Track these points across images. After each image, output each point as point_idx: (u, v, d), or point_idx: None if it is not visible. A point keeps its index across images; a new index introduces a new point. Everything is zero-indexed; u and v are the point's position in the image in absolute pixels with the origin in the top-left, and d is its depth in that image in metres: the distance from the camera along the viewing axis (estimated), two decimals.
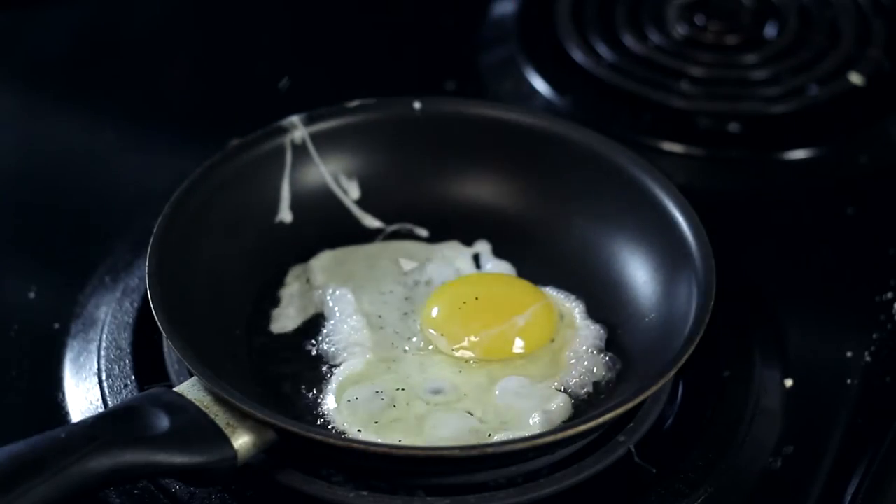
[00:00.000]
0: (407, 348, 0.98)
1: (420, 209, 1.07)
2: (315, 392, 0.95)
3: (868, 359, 1.03)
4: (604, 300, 1.01)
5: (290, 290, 1.02)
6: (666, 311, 0.97)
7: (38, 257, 1.11)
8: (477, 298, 0.99)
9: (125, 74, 1.29)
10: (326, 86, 1.26)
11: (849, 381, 1.01)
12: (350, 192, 1.07)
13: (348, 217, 1.07)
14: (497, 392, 0.95)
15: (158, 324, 0.90)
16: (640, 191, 1.01)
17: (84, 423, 0.84)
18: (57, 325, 1.03)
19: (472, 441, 0.91)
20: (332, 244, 1.05)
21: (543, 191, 1.06)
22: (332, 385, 0.95)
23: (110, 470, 0.81)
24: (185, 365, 0.89)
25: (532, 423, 0.92)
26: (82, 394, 0.97)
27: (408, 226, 1.07)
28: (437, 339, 0.97)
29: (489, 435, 0.92)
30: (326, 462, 0.90)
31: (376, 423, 0.92)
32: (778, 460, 0.96)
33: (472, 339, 0.97)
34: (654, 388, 0.89)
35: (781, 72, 1.25)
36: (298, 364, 0.98)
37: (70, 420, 0.97)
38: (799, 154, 1.19)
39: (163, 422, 0.84)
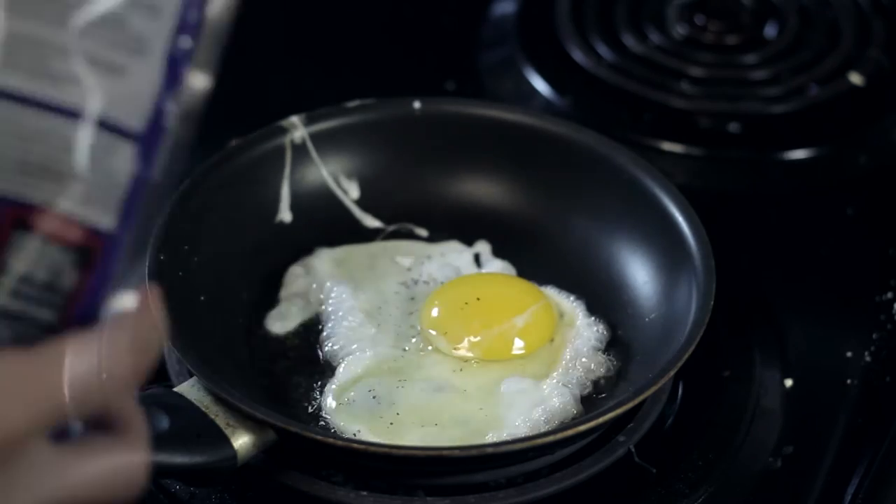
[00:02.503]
0: (407, 348, 0.98)
1: (420, 209, 1.07)
2: (315, 392, 0.95)
3: (868, 359, 1.03)
4: (604, 300, 1.01)
5: (290, 290, 1.02)
6: (666, 311, 0.97)
7: None
8: (478, 299, 0.99)
9: None
10: (326, 86, 1.26)
11: (849, 381, 1.01)
12: (350, 192, 1.07)
13: (348, 217, 1.07)
14: (497, 391, 0.95)
15: None
16: (640, 191, 1.01)
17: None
18: None
19: (472, 440, 0.91)
20: (332, 244, 1.05)
21: (543, 191, 1.06)
22: (332, 385, 0.95)
23: None
24: (185, 365, 0.89)
25: (532, 423, 0.92)
26: None
27: (408, 226, 1.07)
28: (437, 340, 0.97)
29: (488, 435, 0.92)
30: (326, 462, 0.90)
31: (376, 423, 0.92)
32: (778, 460, 0.96)
33: (473, 339, 0.97)
34: (654, 388, 0.89)
35: (781, 72, 1.25)
36: (298, 364, 0.98)
37: None
38: (799, 154, 1.19)
39: (163, 422, 0.84)
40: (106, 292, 0.64)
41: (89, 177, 0.62)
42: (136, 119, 0.63)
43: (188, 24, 0.63)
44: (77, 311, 0.63)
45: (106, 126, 0.62)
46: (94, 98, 0.62)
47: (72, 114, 0.62)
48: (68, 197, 0.62)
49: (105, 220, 0.63)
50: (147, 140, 0.63)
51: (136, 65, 0.63)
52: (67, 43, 0.62)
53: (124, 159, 0.63)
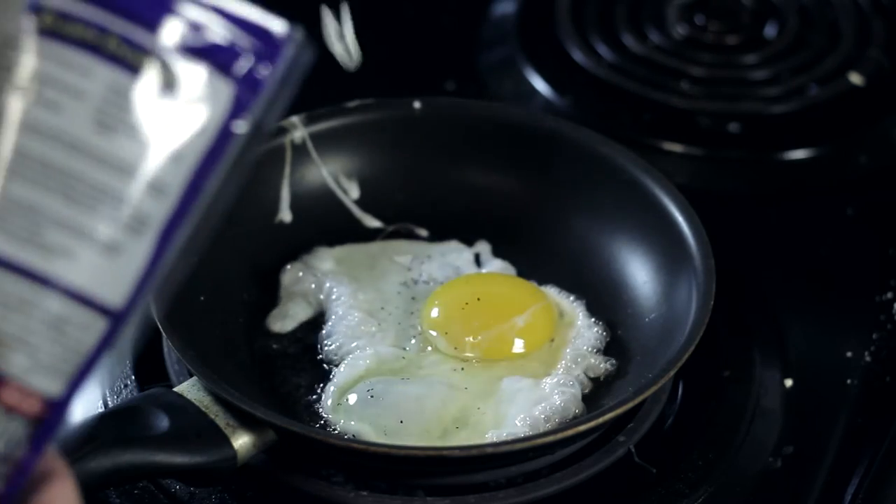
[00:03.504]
0: (407, 347, 0.98)
1: (420, 209, 1.07)
2: (315, 392, 0.95)
3: (868, 359, 1.03)
4: (604, 300, 1.01)
5: (290, 289, 1.02)
6: (666, 311, 0.97)
7: None
8: (478, 299, 0.98)
9: None
10: (326, 86, 1.26)
11: (849, 381, 1.01)
12: (350, 192, 1.07)
13: (348, 217, 1.07)
14: (498, 391, 0.95)
15: (158, 324, 0.90)
16: (640, 191, 1.01)
17: (84, 423, 0.84)
18: None
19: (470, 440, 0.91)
20: (332, 244, 1.05)
21: (543, 191, 1.06)
22: (332, 384, 0.95)
23: (110, 470, 0.80)
24: (185, 365, 0.89)
25: (533, 422, 0.92)
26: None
27: (408, 226, 1.07)
28: (437, 340, 0.97)
29: (488, 434, 0.92)
30: (326, 462, 0.90)
31: (376, 422, 0.92)
32: (778, 460, 0.96)
33: (473, 339, 0.97)
34: (654, 388, 0.89)
35: (781, 72, 1.25)
36: (298, 363, 0.98)
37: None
38: (799, 154, 1.19)
39: (163, 422, 0.84)
40: (33, 464, 0.61)
41: (45, 344, 0.60)
42: (118, 296, 0.61)
43: (187, 205, 0.61)
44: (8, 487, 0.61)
45: (81, 299, 0.60)
46: (79, 271, 0.60)
47: (42, 281, 0.60)
48: (17, 363, 0.60)
49: (53, 387, 0.61)
50: (121, 317, 0.61)
51: (132, 244, 0.61)
52: (69, 218, 0.60)
53: (93, 333, 0.61)
